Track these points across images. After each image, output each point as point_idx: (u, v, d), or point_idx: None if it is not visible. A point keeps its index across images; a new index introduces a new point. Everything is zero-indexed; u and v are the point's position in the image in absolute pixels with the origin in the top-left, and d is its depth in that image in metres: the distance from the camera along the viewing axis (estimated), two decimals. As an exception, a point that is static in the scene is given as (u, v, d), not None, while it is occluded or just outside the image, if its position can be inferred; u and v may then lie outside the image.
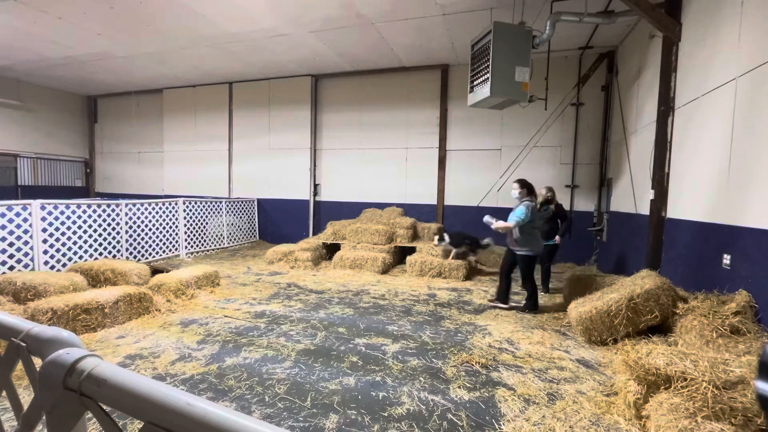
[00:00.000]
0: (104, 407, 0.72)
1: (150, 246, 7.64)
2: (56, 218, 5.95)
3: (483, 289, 6.26)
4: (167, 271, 5.91)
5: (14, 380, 0.99)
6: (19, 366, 0.92)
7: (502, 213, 8.96)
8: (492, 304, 5.37)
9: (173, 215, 8.23)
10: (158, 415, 0.64)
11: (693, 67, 4.48)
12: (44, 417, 0.78)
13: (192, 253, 8.73)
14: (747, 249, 3.40)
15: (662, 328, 3.78)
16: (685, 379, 2.36)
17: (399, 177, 9.67)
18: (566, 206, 8.50)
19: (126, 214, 7.12)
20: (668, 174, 4.93)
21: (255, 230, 10.86)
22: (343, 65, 9.26)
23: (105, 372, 0.72)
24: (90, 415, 0.74)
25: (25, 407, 0.86)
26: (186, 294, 5.25)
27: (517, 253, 5.10)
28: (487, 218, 5.27)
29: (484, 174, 9.02)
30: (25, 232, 5.59)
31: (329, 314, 4.88)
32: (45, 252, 5.79)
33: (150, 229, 7.62)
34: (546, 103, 7.13)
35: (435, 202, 9.41)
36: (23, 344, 0.84)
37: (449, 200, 9.33)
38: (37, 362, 0.85)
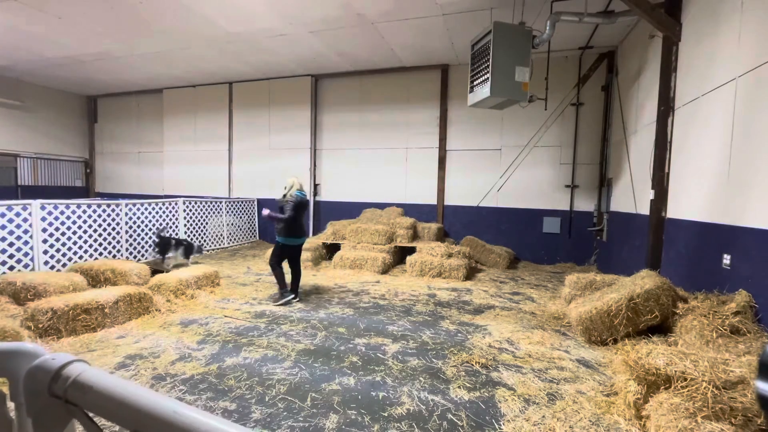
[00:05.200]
0: (91, 415, 0.70)
1: (150, 246, 7.64)
2: (56, 218, 5.95)
3: (483, 289, 6.26)
4: (167, 271, 5.91)
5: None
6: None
7: (502, 213, 9.01)
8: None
9: (173, 215, 8.23)
10: (145, 423, 0.63)
11: (693, 67, 4.48)
12: (24, 427, 0.76)
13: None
14: (747, 249, 3.40)
15: (662, 328, 3.78)
16: (685, 379, 2.36)
17: (399, 177, 9.67)
18: (565, 206, 8.51)
19: (126, 214, 7.11)
20: (668, 174, 4.93)
21: (255, 230, 10.86)
22: (343, 65, 9.26)
23: (91, 378, 0.70)
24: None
25: None
26: (186, 294, 5.25)
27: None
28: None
29: (484, 174, 9.02)
30: (25, 232, 5.58)
31: (329, 314, 4.88)
32: (45, 252, 5.79)
33: (150, 229, 7.62)
34: (546, 103, 7.13)
35: (435, 202, 9.41)
36: None
37: (449, 200, 9.33)
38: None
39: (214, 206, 9.39)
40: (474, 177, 9.10)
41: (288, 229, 5.20)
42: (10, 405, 0.78)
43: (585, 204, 8.45)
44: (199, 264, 6.58)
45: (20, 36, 7.88)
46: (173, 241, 7.30)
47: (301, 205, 5.22)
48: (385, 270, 7.48)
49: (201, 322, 4.49)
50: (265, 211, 5.23)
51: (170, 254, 7.15)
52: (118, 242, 6.95)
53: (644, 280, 3.93)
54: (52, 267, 5.89)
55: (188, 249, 7.37)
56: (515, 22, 5.51)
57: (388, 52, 8.27)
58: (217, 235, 9.48)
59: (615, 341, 3.85)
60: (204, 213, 9.09)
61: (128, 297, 4.44)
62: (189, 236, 8.62)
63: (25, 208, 5.59)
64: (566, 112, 8.44)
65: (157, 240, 7.26)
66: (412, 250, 7.97)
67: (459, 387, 3.09)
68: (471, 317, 4.87)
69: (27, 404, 0.73)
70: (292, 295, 5.38)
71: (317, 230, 10.21)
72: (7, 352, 0.78)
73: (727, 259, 3.66)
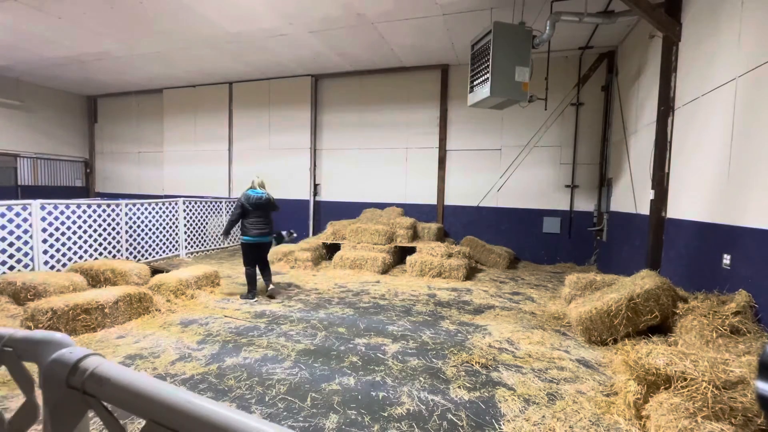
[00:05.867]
0: (107, 405, 0.73)
1: (150, 246, 7.64)
2: (56, 218, 5.95)
3: (483, 289, 6.26)
4: (167, 271, 5.91)
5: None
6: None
7: (502, 213, 9.01)
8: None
9: (173, 215, 8.23)
10: (160, 413, 0.65)
11: (693, 67, 4.48)
12: (44, 416, 0.79)
13: (192, 253, 8.72)
14: (747, 249, 3.40)
15: (662, 328, 3.78)
16: (685, 379, 2.36)
17: (399, 177, 9.67)
18: (565, 206, 8.52)
19: (126, 214, 7.12)
20: (668, 174, 4.93)
21: (255, 230, 10.84)
22: (343, 65, 9.26)
23: (107, 370, 0.73)
24: (92, 414, 0.75)
25: (8, 415, 0.86)
26: (186, 294, 5.25)
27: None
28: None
29: (484, 174, 9.02)
30: (25, 232, 5.58)
31: (329, 314, 4.88)
32: (45, 252, 5.79)
33: (150, 229, 7.62)
34: (546, 103, 7.13)
35: (435, 202, 9.41)
36: (8, 349, 0.84)
37: (449, 200, 9.33)
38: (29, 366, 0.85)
39: (214, 206, 9.39)
40: (474, 177, 9.10)
41: (241, 227, 5.43)
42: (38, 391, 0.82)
43: (585, 204, 8.45)
44: (200, 264, 6.58)
45: (20, 36, 7.88)
46: None
47: (248, 203, 5.31)
48: (385, 270, 7.48)
49: (201, 322, 4.49)
50: None
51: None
52: (118, 242, 6.95)
53: (644, 280, 3.93)
54: (52, 267, 5.89)
55: (278, 238, 8.33)
56: (515, 22, 5.51)
57: (388, 52, 8.28)
58: (217, 235, 9.48)
59: (615, 341, 3.85)
60: (204, 213, 9.09)
61: (128, 297, 4.44)
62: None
63: (25, 208, 5.59)
64: (566, 112, 8.44)
65: None
66: (412, 250, 7.97)
67: (459, 387, 3.09)
68: (471, 317, 4.87)
69: (45, 396, 0.77)
70: (255, 299, 5.46)
71: (317, 230, 10.21)
72: (38, 341, 0.82)
73: (727, 259, 3.66)
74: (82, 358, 0.76)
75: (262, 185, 5.57)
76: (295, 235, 9.24)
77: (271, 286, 5.58)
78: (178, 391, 0.67)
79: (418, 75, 9.32)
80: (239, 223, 5.53)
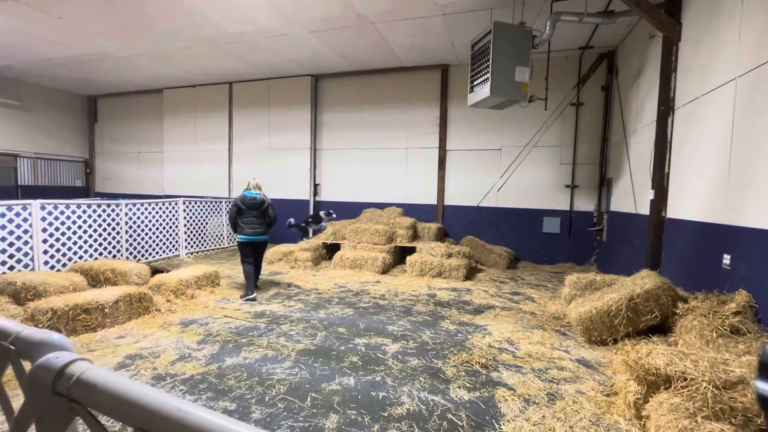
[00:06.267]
0: (94, 413, 0.71)
1: (150, 246, 7.64)
2: (56, 218, 5.95)
3: (483, 289, 6.26)
4: (167, 271, 5.91)
5: (9, 384, 0.98)
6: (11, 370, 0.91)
7: (502, 213, 9.01)
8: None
9: (173, 215, 8.23)
10: (148, 421, 0.63)
11: (693, 67, 4.48)
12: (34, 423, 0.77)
13: (192, 253, 8.72)
14: (747, 249, 3.40)
15: (662, 328, 3.78)
16: (685, 379, 2.36)
17: (399, 177, 9.67)
18: (565, 206, 8.52)
19: (126, 214, 7.12)
20: (668, 174, 4.93)
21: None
22: (343, 65, 9.26)
23: (94, 377, 0.70)
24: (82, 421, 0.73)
25: (17, 411, 0.86)
26: (186, 294, 5.25)
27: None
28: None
29: (484, 174, 9.02)
30: (25, 232, 5.58)
31: (329, 314, 4.88)
32: (45, 252, 5.79)
33: (150, 229, 7.62)
34: (546, 103, 7.13)
35: (435, 202, 9.41)
36: (12, 347, 0.82)
37: (449, 200, 9.33)
38: (27, 366, 0.84)
39: (214, 206, 9.39)
40: (474, 177, 9.10)
41: (237, 227, 5.59)
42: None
43: (585, 204, 8.45)
44: (200, 264, 6.58)
45: (20, 36, 7.88)
46: (303, 224, 9.27)
47: (242, 203, 5.49)
48: (385, 270, 7.48)
49: (201, 322, 4.49)
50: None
51: (312, 229, 9.17)
52: (118, 242, 6.95)
53: (644, 280, 3.93)
54: (52, 267, 5.89)
55: (317, 218, 8.96)
56: (515, 22, 5.51)
57: (388, 52, 8.27)
58: (217, 235, 9.48)
59: (615, 341, 3.85)
60: (204, 213, 9.09)
61: (128, 297, 4.44)
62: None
63: (25, 208, 5.59)
64: (566, 112, 8.44)
65: (295, 229, 9.16)
66: (412, 250, 7.96)
67: (459, 387, 3.09)
68: (471, 317, 4.87)
69: (31, 402, 0.74)
70: (252, 296, 5.45)
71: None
72: (34, 342, 0.80)
73: (727, 259, 3.66)
74: (69, 364, 0.73)
75: (257, 187, 5.69)
76: (334, 215, 9.32)
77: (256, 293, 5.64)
78: (167, 398, 0.64)
79: (418, 75, 9.32)
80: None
